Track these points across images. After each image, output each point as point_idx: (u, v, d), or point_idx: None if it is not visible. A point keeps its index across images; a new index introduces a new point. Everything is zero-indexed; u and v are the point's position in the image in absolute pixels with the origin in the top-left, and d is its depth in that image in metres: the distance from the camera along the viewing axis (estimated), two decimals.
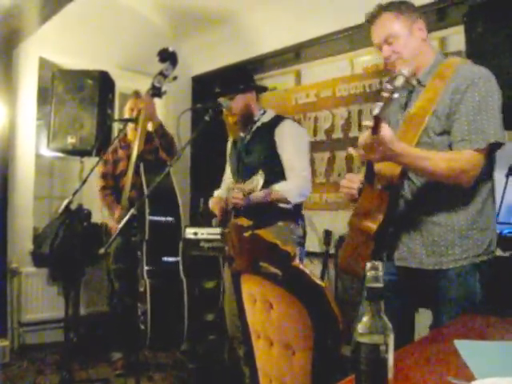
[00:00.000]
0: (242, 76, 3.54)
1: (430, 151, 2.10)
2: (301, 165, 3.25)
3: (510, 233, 3.31)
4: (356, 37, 4.62)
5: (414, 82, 2.22)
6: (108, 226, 4.49)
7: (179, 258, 4.00)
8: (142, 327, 3.71)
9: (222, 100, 3.29)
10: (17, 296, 4.88)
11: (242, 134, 3.45)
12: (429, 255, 2.19)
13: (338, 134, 5.05)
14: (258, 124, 3.38)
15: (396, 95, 1.82)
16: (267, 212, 3.15)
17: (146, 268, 3.79)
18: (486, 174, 2.19)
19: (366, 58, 4.89)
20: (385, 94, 1.81)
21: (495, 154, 2.22)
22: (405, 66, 2.22)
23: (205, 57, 6.00)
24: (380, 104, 1.81)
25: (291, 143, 3.26)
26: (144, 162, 3.77)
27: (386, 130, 1.88)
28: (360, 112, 4.89)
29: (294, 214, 3.31)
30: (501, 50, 3.07)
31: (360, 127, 4.89)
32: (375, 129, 1.86)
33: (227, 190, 3.59)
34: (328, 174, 5.02)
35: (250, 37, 5.44)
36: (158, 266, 3.87)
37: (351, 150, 2.08)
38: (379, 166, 2.14)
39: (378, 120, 1.83)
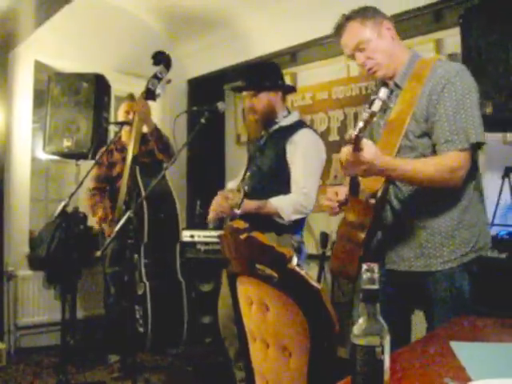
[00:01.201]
0: (270, 72, 3.35)
1: (415, 160, 2.13)
2: (305, 181, 3.10)
3: (506, 234, 3.31)
4: None
5: (392, 86, 2.27)
6: (103, 229, 4.49)
7: (177, 260, 4.01)
8: (141, 330, 3.71)
9: (219, 103, 3.25)
10: (13, 299, 4.87)
11: (262, 133, 3.32)
12: (417, 258, 2.21)
13: (334, 137, 5.07)
14: (276, 127, 3.25)
15: (375, 118, 1.86)
16: (266, 222, 3.08)
17: (144, 271, 3.79)
18: (470, 171, 2.16)
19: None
20: (364, 116, 1.83)
21: (478, 152, 2.21)
22: (383, 71, 2.28)
23: (201, 59, 6.01)
24: (360, 124, 1.83)
25: (301, 156, 3.13)
26: (139, 165, 3.77)
27: (368, 148, 1.89)
28: (356, 114, 4.90)
29: (296, 226, 3.23)
30: (496, 53, 3.08)
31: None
32: (356, 147, 1.87)
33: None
34: (324, 177, 5.02)
35: (245, 39, 5.44)
36: (157, 269, 3.87)
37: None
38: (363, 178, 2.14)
39: (358, 139, 1.85)
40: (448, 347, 1.56)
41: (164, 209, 3.95)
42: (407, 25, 4.19)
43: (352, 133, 1.83)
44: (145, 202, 3.72)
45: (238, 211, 2.83)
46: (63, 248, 4.48)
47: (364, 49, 2.26)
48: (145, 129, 3.92)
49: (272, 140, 3.25)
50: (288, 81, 5.38)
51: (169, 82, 3.61)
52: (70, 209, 3.85)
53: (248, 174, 3.35)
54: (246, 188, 2.86)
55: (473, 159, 2.15)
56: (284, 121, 3.27)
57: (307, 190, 3.10)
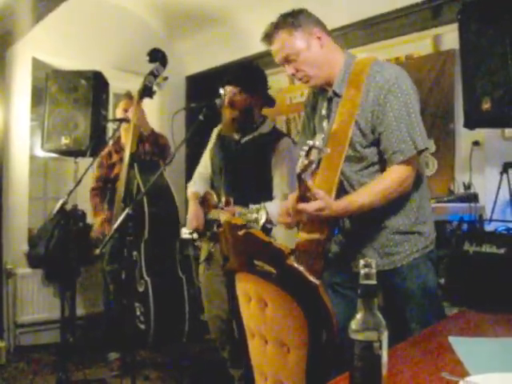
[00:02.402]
0: (259, 78, 3.41)
1: (360, 190, 2.14)
2: (290, 188, 3.16)
3: (504, 230, 3.32)
4: (347, 36, 4.62)
5: (331, 94, 2.28)
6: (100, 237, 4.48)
7: (177, 257, 4.02)
8: (142, 327, 3.71)
9: (217, 100, 3.24)
10: (12, 297, 4.87)
11: (235, 135, 3.36)
12: (382, 257, 2.23)
13: None
14: (256, 134, 3.30)
15: (313, 166, 1.87)
16: None
17: (145, 267, 3.79)
18: (419, 172, 2.22)
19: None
20: (303, 163, 1.85)
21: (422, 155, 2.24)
22: (314, 81, 2.28)
23: (199, 56, 6.00)
24: (298, 170, 1.87)
25: (286, 164, 3.21)
26: (138, 162, 3.77)
27: (313, 203, 1.94)
28: None
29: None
30: (494, 48, 3.07)
31: None
32: (302, 191, 1.93)
33: (204, 182, 3.56)
34: None
35: (243, 36, 5.43)
36: (158, 265, 3.87)
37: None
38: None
39: (300, 179, 1.90)
40: (446, 342, 1.56)
41: (163, 205, 3.95)
42: (405, 21, 4.20)
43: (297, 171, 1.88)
44: (145, 199, 3.72)
45: (258, 227, 2.82)
46: (62, 246, 4.48)
47: (293, 60, 2.25)
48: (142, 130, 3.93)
49: (252, 146, 3.30)
50: (285, 78, 5.40)
51: (166, 79, 3.61)
52: (68, 206, 3.85)
53: (223, 178, 3.36)
54: (267, 206, 2.81)
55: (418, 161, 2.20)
56: (262, 128, 3.33)
57: None
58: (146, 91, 3.57)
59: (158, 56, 3.58)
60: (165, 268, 3.95)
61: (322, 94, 2.38)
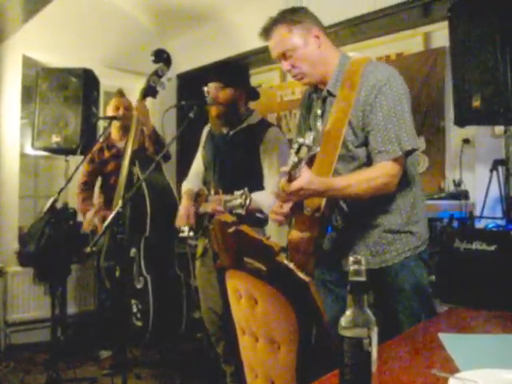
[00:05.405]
0: (240, 71, 3.45)
1: (349, 176, 2.15)
2: (280, 176, 3.21)
3: (494, 227, 3.33)
4: (339, 34, 4.62)
5: (325, 93, 2.28)
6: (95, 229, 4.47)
7: (175, 254, 4.02)
8: (139, 324, 3.70)
9: (208, 98, 3.25)
10: (3, 296, 4.86)
11: (223, 130, 3.36)
12: (373, 256, 2.23)
13: None
14: (244, 125, 3.31)
15: (303, 162, 1.87)
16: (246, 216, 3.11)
17: (144, 264, 3.78)
18: (412, 172, 2.24)
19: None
20: (293, 160, 1.85)
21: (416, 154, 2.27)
22: (308, 79, 2.29)
23: (190, 54, 5.99)
24: (290, 163, 1.86)
25: (275, 153, 3.23)
26: (139, 160, 3.77)
27: (301, 178, 1.92)
28: None
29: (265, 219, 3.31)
30: (484, 46, 3.08)
31: None
32: (290, 180, 1.92)
33: (197, 179, 3.59)
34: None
35: (235, 34, 5.43)
36: (157, 263, 3.87)
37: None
38: None
39: (291, 176, 1.89)
40: (436, 339, 1.57)
41: (165, 203, 3.95)
42: (396, 18, 4.20)
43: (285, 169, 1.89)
44: (147, 197, 3.72)
45: (242, 212, 2.83)
46: (53, 244, 4.46)
47: (290, 56, 2.25)
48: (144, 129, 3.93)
49: (241, 138, 3.31)
50: (277, 75, 5.41)
51: (169, 79, 3.64)
52: (59, 205, 3.84)
53: (214, 173, 3.38)
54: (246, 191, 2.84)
55: (411, 162, 2.22)
56: (250, 119, 3.34)
57: None
58: (150, 91, 3.60)
59: (162, 56, 3.60)
60: (164, 265, 3.95)
61: (317, 93, 2.39)
